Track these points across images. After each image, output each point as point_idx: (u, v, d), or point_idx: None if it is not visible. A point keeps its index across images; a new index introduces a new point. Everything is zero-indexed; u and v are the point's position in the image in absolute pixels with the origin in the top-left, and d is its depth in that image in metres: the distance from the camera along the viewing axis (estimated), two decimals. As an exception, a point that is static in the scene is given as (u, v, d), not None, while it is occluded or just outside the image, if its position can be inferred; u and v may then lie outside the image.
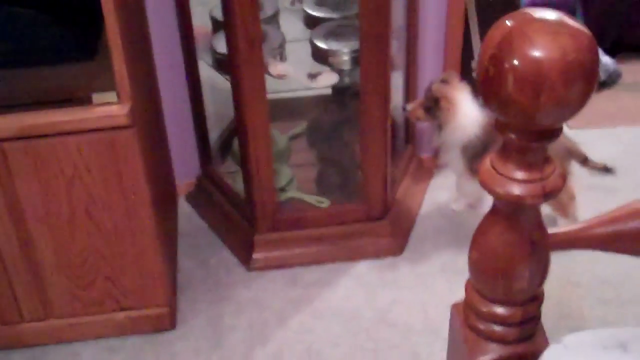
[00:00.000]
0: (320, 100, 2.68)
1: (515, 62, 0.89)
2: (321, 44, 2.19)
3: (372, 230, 2.31)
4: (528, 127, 0.95)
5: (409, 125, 2.58)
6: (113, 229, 1.92)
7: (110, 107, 1.76)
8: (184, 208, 2.59)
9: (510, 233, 1.07)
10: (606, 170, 2.19)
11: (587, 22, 3.12)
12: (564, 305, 2.09)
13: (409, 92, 2.49)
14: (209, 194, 2.52)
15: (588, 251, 1.20)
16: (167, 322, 2.10)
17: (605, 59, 3.07)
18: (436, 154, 2.62)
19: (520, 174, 1.00)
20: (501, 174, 1.01)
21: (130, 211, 1.90)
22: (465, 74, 2.69)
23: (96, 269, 1.97)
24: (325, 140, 2.57)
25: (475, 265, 1.13)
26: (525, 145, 0.98)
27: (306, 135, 2.64)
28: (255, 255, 2.30)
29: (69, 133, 1.76)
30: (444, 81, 2.23)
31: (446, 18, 2.43)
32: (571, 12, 3.17)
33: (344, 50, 2.17)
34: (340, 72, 2.21)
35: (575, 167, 2.20)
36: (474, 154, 2.18)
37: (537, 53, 0.88)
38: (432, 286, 2.20)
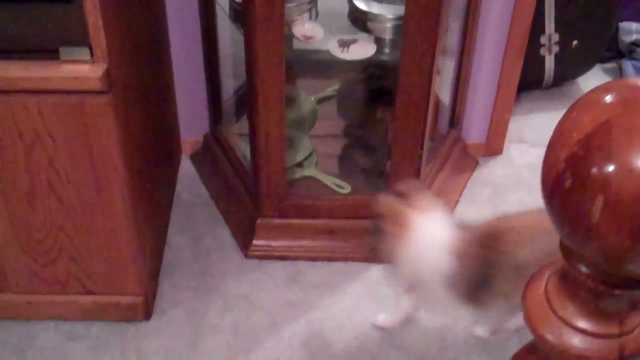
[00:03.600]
0: (359, 61, 2.29)
1: (611, 173, 0.52)
2: (360, 4, 1.80)
3: (394, 230, 1.96)
4: (613, 271, 0.58)
5: (456, 105, 2.19)
6: (79, 206, 1.60)
7: (79, 67, 1.41)
8: (187, 169, 2.26)
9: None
10: None
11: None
12: None
13: (462, 73, 2.10)
14: (215, 158, 2.18)
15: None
16: (139, 312, 1.79)
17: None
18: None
19: (586, 324, 0.64)
20: (558, 316, 0.65)
21: (101, 187, 1.57)
22: (531, 51, 2.28)
23: (59, 247, 1.66)
24: (356, 111, 2.20)
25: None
26: (603, 290, 0.61)
27: (336, 101, 2.27)
28: (256, 242, 1.97)
29: (28, 91, 1.43)
30: (400, 194, 1.58)
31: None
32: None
33: (386, 15, 1.78)
34: (379, 41, 1.82)
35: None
36: (468, 287, 1.55)
37: (650, 165, 0.51)
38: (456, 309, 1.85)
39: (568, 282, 0.65)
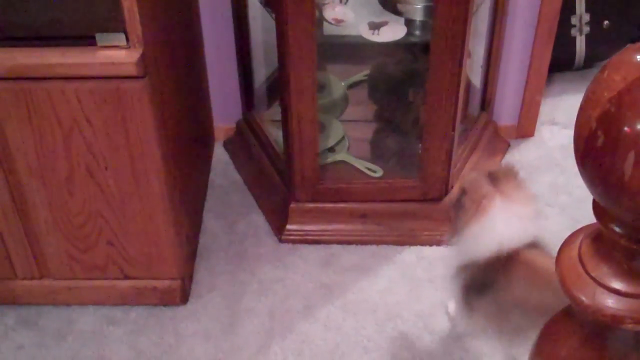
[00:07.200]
0: (390, 45, 2.30)
1: (643, 130, 0.53)
2: (390, -13, 1.81)
3: (427, 213, 1.97)
4: (647, 229, 0.59)
5: (486, 88, 2.19)
6: (117, 191, 1.63)
7: (116, 52, 1.44)
8: (220, 156, 2.28)
9: (589, 352, 0.72)
10: None
11: None
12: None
13: (492, 55, 2.10)
14: (248, 144, 2.21)
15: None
16: (177, 296, 1.83)
17: None
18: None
19: (620, 284, 0.65)
20: (592, 277, 0.66)
21: (138, 172, 1.60)
22: (562, 32, 2.27)
23: (97, 233, 1.70)
24: (388, 94, 2.20)
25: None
26: (636, 249, 0.62)
27: (367, 85, 2.27)
28: (290, 226, 1.99)
29: (66, 78, 1.46)
30: (492, 175, 1.47)
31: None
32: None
33: (416, -4, 1.79)
34: (409, 23, 1.83)
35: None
36: (469, 286, 1.52)
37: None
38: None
39: (601, 242, 0.66)
